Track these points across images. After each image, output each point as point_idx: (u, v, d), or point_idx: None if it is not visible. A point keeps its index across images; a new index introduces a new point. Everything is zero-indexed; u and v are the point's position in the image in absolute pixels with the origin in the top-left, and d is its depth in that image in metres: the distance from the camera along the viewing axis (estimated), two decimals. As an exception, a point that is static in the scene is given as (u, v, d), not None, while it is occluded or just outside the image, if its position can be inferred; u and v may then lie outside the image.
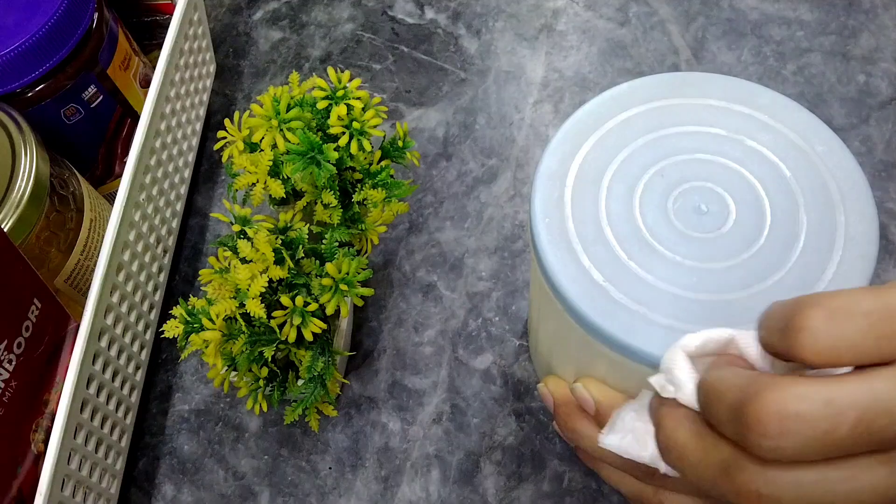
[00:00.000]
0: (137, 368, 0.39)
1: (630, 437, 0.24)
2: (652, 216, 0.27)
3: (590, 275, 0.26)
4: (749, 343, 0.21)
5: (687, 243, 0.26)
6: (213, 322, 0.31)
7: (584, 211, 0.27)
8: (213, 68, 0.51)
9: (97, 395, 0.34)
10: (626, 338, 0.24)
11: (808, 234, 0.26)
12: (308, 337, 0.32)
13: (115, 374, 0.36)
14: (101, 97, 0.40)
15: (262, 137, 0.34)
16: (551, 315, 0.29)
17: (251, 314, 0.30)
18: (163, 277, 0.43)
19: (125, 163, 0.38)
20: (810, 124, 0.28)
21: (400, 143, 0.37)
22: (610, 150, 0.28)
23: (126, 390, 0.38)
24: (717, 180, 0.27)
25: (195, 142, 0.47)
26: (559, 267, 0.26)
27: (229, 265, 0.33)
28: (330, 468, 0.39)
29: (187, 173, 0.46)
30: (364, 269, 0.32)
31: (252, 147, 0.35)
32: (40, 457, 0.32)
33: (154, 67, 0.41)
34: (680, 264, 0.26)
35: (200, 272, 0.34)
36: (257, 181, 0.34)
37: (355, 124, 0.34)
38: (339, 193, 0.35)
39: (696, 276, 0.25)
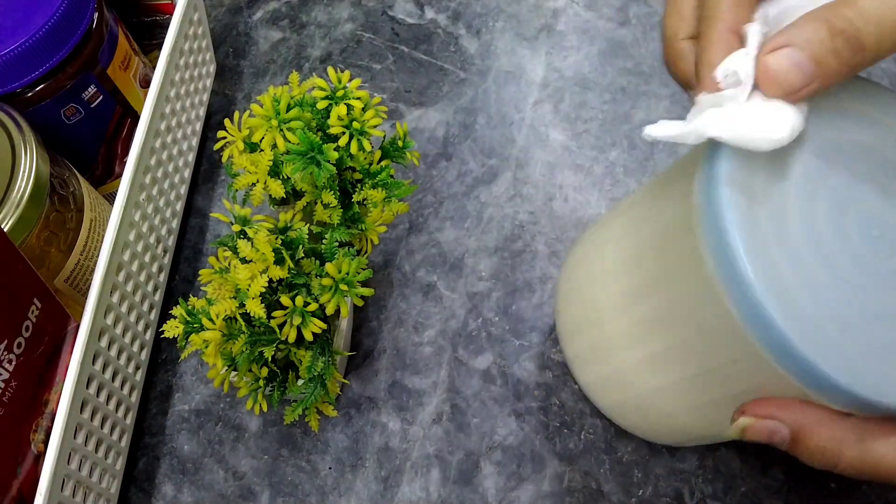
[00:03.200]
0: (137, 368, 0.39)
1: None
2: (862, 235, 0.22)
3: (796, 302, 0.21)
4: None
5: None
6: (213, 322, 0.31)
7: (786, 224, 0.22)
8: (213, 68, 0.51)
9: (97, 395, 0.34)
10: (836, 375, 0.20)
11: None
12: (308, 337, 0.32)
13: (115, 374, 0.36)
14: (101, 97, 0.40)
15: (262, 137, 0.34)
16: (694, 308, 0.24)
17: (251, 314, 0.30)
18: (163, 277, 0.43)
19: (125, 163, 0.38)
20: None
21: (400, 143, 0.37)
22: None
23: (126, 390, 0.38)
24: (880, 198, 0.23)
25: (195, 142, 0.47)
26: (758, 284, 0.21)
27: (229, 265, 0.33)
28: (330, 468, 0.39)
29: (187, 173, 0.46)
30: (364, 269, 0.32)
31: (252, 147, 0.35)
32: (40, 457, 0.32)
33: (154, 67, 0.41)
34: None
35: (200, 272, 0.34)
36: (257, 181, 0.34)
37: (355, 124, 0.34)
38: (339, 193, 0.35)
39: None
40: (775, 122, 0.21)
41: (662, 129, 0.23)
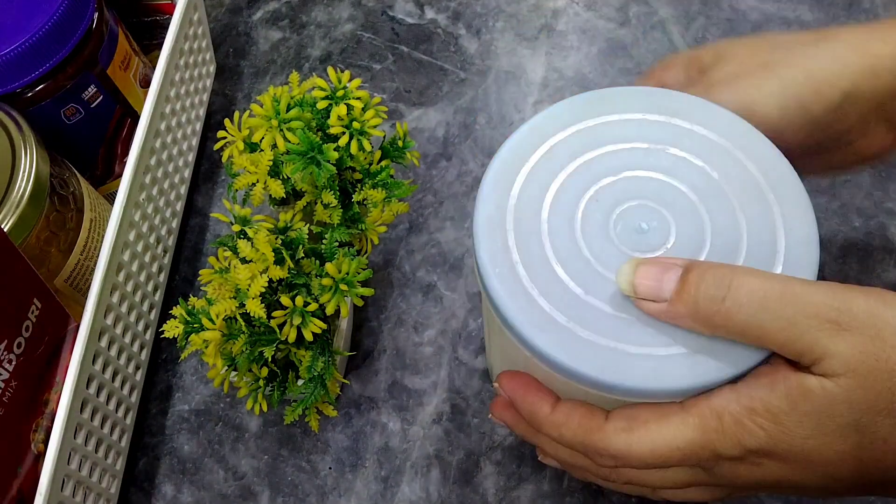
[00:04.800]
0: (137, 368, 0.39)
1: None
2: (598, 245, 0.26)
3: (553, 318, 0.25)
4: None
5: None
6: (213, 322, 0.31)
7: (532, 254, 0.26)
8: (213, 68, 0.51)
9: (97, 395, 0.34)
10: (600, 375, 0.24)
11: (750, 231, 0.26)
12: (308, 337, 0.32)
13: (115, 374, 0.36)
14: (101, 97, 0.40)
15: (262, 137, 0.34)
16: (514, 352, 0.28)
17: (251, 314, 0.30)
18: (163, 277, 0.43)
19: (125, 163, 0.38)
20: (726, 120, 0.28)
21: (400, 143, 0.37)
22: (541, 185, 0.28)
23: (126, 390, 0.38)
24: (650, 196, 0.27)
25: (195, 142, 0.47)
26: (520, 316, 0.25)
27: (229, 265, 0.33)
28: (330, 468, 0.39)
29: (187, 173, 0.46)
30: (364, 269, 0.32)
31: (252, 147, 0.35)
32: (40, 457, 0.32)
33: (154, 67, 0.41)
34: None
35: (200, 272, 0.34)
36: (257, 181, 0.34)
37: (355, 124, 0.34)
38: (339, 193, 0.35)
39: None
40: None
41: None
